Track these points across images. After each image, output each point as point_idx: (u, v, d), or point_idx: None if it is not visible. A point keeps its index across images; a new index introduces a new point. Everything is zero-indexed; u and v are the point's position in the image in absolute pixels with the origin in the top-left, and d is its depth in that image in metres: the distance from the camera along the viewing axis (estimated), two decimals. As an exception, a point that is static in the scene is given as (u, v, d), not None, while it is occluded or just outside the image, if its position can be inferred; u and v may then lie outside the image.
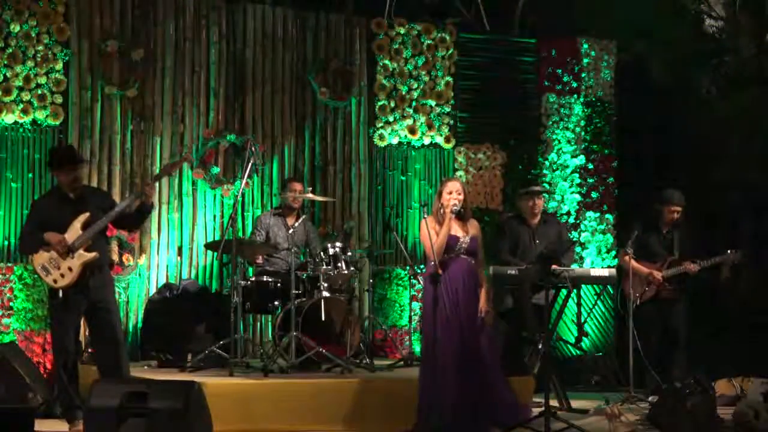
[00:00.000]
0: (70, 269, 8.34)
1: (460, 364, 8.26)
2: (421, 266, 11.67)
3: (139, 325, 10.84)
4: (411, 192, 12.18)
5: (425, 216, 8.65)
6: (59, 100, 10.74)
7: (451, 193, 8.51)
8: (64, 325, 8.48)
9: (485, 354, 8.44)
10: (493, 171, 12.51)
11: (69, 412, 8.45)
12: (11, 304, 10.44)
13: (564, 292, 10.04)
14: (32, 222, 8.63)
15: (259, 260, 10.27)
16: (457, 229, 8.49)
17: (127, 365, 8.71)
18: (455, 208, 8.45)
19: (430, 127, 12.18)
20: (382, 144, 12.06)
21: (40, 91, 10.65)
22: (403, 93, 12.13)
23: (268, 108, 11.64)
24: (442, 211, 8.49)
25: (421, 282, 8.72)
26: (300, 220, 10.39)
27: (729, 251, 10.39)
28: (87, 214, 8.45)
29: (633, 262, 10.17)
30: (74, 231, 8.39)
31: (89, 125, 10.88)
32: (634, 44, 13.01)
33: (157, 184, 9.65)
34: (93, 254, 8.40)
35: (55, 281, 8.35)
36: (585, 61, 12.89)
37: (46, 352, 10.23)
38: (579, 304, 10.33)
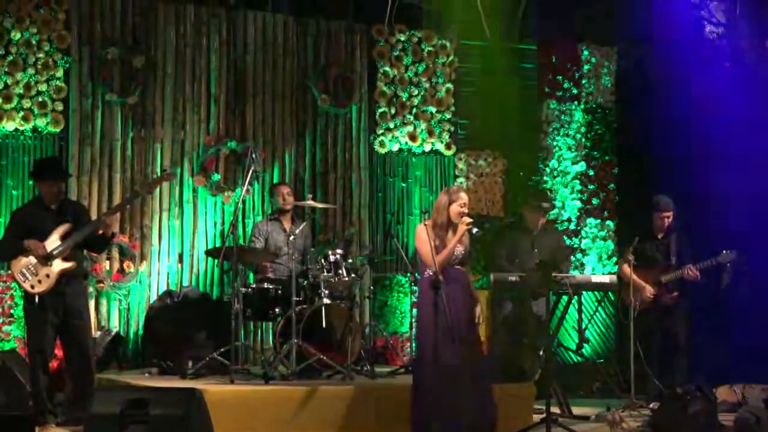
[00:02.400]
0: (47, 276, 8.52)
1: (459, 373, 8.23)
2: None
3: (140, 332, 10.84)
4: (411, 199, 12.19)
5: (424, 222, 8.55)
6: (60, 107, 10.76)
7: (463, 206, 8.38)
8: (42, 328, 8.61)
9: (481, 364, 8.41)
10: (494, 178, 12.51)
11: (40, 417, 8.51)
12: (12, 311, 10.44)
13: (565, 298, 10.02)
14: (11, 230, 8.82)
15: (269, 272, 10.20)
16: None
17: (94, 374, 8.92)
18: (478, 232, 8.40)
19: (430, 133, 12.18)
20: (382, 151, 12.06)
21: (40, 99, 10.66)
22: (404, 100, 12.14)
23: (268, 115, 11.65)
24: (446, 221, 8.36)
25: (419, 288, 8.64)
26: (300, 227, 10.36)
27: (724, 251, 10.35)
28: (67, 225, 8.67)
29: (631, 272, 10.15)
30: (53, 240, 8.57)
31: (90, 132, 10.90)
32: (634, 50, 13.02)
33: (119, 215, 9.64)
34: (71, 264, 8.60)
35: (32, 287, 8.52)
36: (585, 67, 12.90)
37: (47, 359, 10.24)
38: (580, 311, 10.32)
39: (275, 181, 11.50)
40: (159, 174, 10.75)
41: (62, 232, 8.60)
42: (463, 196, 8.42)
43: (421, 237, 8.31)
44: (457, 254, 8.34)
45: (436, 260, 8.17)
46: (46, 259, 8.49)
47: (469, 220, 8.30)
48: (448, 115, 12.29)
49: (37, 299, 8.53)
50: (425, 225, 8.32)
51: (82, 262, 8.98)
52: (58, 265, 8.53)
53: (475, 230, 8.32)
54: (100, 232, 8.85)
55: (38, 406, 8.61)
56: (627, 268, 10.22)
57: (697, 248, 10.65)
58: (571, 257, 10.61)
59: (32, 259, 8.49)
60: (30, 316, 8.72)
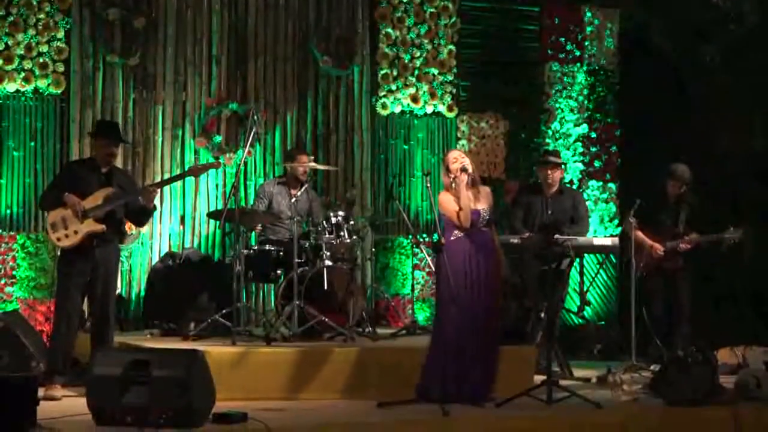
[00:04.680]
0: (75, 232, 8.54)
1: (467, 337, 8.26)
2: (424, 235, 11.70)
3: (142, 293, 10.87)
4: (413, 161, 12.17)
5: (428, 184, 8.69)
6: (61, 68, 10.74)
7: (456, 160, 8.45)
8: (68, 287, 8.68)
9: (491, 328, 8.44)
10: (496, 140, 12.49)
11: (49, 376, 8.54)
12: (14, 272, 10.48)
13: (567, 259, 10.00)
14: (59, 181, 8.93)
15: (258, 228, 10.23)
16: (473, 202, 8.45)
17: (113, 338, 8.95)
18: (464, 167, 8.41)
19: (432, 95, 12.15)
20: (384, 113, 12.03)
21: (41, 60, 10.63)
22: (406, 61, 12.09)
23: (270, 76, 11.62)
24: (453, 177, 8.44)
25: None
26: (303, 189, 10.37)
27: (731, 228, 10.34)
28: (111, 189, 8.70)
29: (638, 232, 10.14)
30: (94, 200, 8.61)
31: (91, 94, 10.88)
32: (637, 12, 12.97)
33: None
34: (100, 226, 8.59)
35: (58, 239, 8.59)
36: (588, 29, 12.85)
37: (49, 320, 10.24)
38: (581, 273, 10.31)
39: (277, 142, 11.51)
40: (163, 143, 11.04)
41: (105, 194, 8.63)
42: (453, 153, 8.63)
43: (443, 200, 8.45)
44: (484, 214, 8.38)
45: (459, 216, 8.26)
46: (80, 215, 8.52)
47: (458, 166, 8.36)
48: (450, 77, 12.26)
49: (59, 252, 8.66)
50: (442, 192, 8.50)
51: (118, 228, 8.94)
52: (88, 225, 8.54)
53: (464, 166, 8.38)
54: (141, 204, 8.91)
55: (51, 365, 8.66)
56: (636, 229, 10.18)
57: (703, 214, 10.64)
58: (584, 221, 10.43)
59: (68, 213, 8.53)
60: (60, 273, 8.84)
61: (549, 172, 10.36)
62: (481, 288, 8.32)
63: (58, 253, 8.84)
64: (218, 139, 11.30)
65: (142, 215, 9.07)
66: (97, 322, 8.79)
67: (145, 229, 10.94)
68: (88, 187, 8.66)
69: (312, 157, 11.07)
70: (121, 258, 9.68)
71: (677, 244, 10.35)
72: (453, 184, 8.40)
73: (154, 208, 9.07)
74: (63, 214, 8.55)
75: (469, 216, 8.34)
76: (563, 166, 10.66)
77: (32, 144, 10.67)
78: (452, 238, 8.35)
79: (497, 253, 8.53)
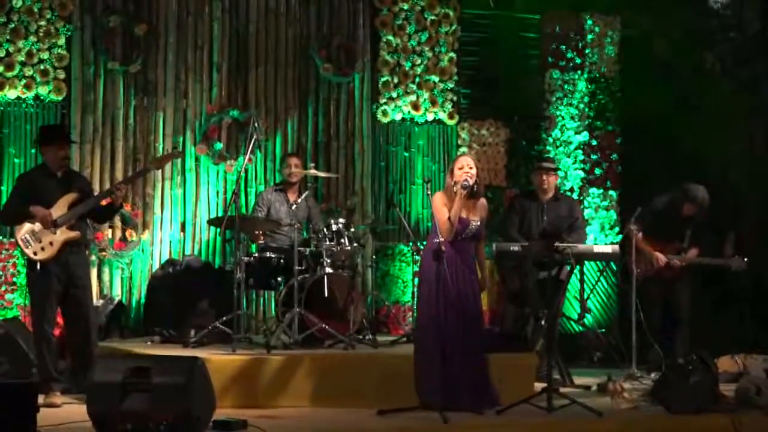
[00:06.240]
0: (51, 244, 8.49)
1: (454, 345, 8.27)
2: (424, 242, 11.68)
3: (143, 300, 10.87)
4: (414, 168, 12.17)
5: (429, 192, 8.64)
6: (62, 75, 10.74)
7: (462, 168, 8.44)
8: (46, 297, 8.58)
9: (473, 337, 8.43)
10: (497, 147, 12.49)
11: (45, 384, 8.47)
12: (14, 279, 10.46)
13: (567, 268, 9.98)
14: (17, 194, 8.77)
15: (261, 239, 10.23)
16: (467, 212, 8.44)
17: (96, 343, 8.90)
18: (465, 183, 8.36)
19: (433, 103, 12.16)
20: (385, 120, 12.04)
21: (42, 67, 10.64)
22: (407, 69, 12.10)
23: (271, 83, 11.63)
24: (455, 188, 8.41)
25: (422, 257, 8.69)
26: (302, 196, 10.37)
27: (736, 257, 10.31)
28: (75, 194, 8.65)
29: (639, 240, 10.13)
30: (60, 208, 8.55)
31: (92, 101, 10.89)
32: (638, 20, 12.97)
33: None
34: (75, 233, 8.58)
35: (35, 253, 8.49)
36: (589, 37, 12.84)
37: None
38: (582, 281, 10.29)
39: (278, 149, 11.51)
40: (164, 151, 10.95)
41: (69, 200, 8.58)
42: (463, 159, 8.60)
43: (435, 205, 8.43)
44: (472, 227, 8.38)
45: (443, 226, 8.24)
46: (51, 226, 8.46)
47: (461, 177, 8.34)
48: (450, 85, 12.26)
49: (38, 267, 8.50)
50: (437, 194, 8.50)
51: (86, 232, 8.96)
52: (63, 234, 8.51)
53: (464, 181, 8.35)
54: (106, 202, 8.87)
55: (43, 374, 8.61)
56: (637, 237, 10.16)
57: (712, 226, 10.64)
58: (581, 230, 10.40)
59: (36, 226, 8.46)
60: (34, 285, 8.69)
61: (544, 177, 10.34)
62: (453, 294, 8.29)
63: (38, 267, 8.53)
64: (219, 146, 11.30)
65: (106, 214, 9.08)
66: (78, 330, 8.71)
67: (145, 236, 10.95)
68: (49, 194, 8.59)
69: (312, 164, 11.07)
70: (92, 260, 9.67)
71: (675, 260, 10.33)
72: (454, 189, 8.39)
73: (121, 206, 9.08)
74: (32, 227, 8.47)
75: (453, 229, 8.31)
76: (558, 172, 10.65)
77: (33, 151, 10.65)
78: (434, 239, 8.31)
79: (478, 266, 8.53)
